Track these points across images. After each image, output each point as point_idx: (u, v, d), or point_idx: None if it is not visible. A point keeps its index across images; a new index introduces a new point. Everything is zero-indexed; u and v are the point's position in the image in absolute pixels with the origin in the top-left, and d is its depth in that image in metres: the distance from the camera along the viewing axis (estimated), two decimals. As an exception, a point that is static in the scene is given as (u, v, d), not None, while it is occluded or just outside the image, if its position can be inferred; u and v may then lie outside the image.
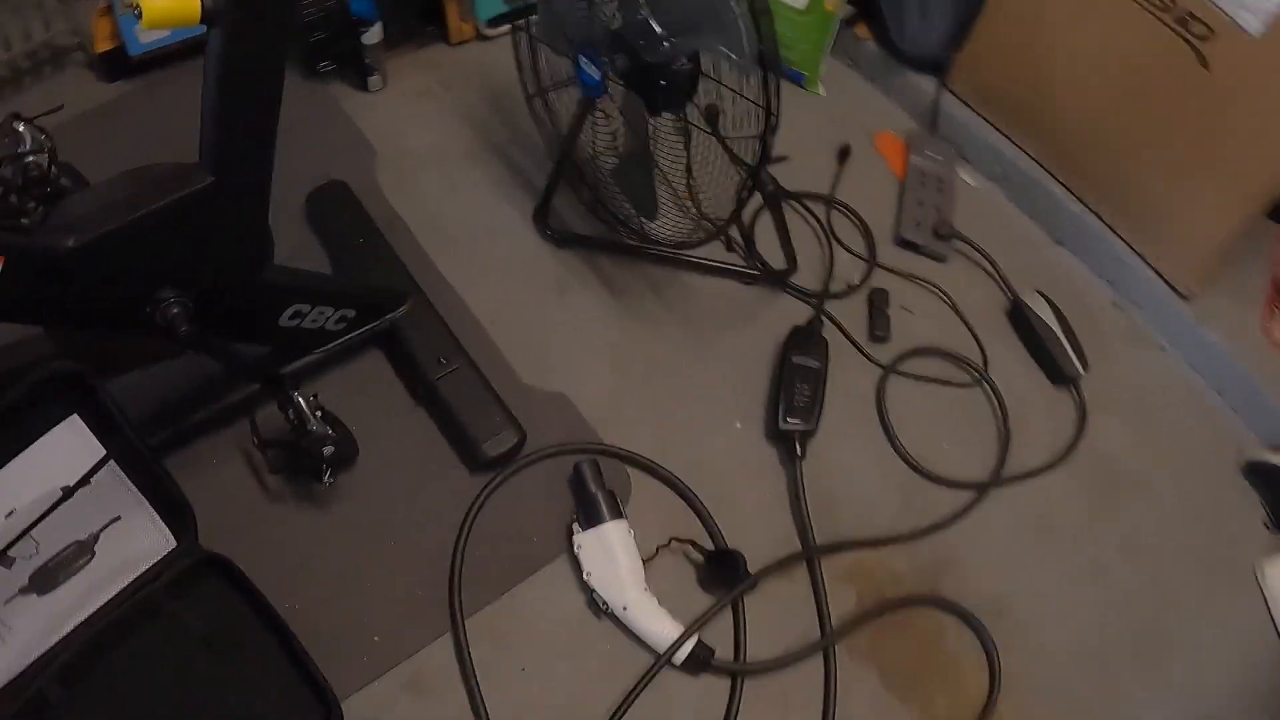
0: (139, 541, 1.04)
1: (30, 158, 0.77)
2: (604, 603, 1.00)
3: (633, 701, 0.96)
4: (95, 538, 1.03)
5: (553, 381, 1.16)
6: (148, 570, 1.03)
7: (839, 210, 1.38)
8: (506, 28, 1.38)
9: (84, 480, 0.99)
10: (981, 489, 1.15)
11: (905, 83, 1.53)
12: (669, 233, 1.18)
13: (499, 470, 1.08)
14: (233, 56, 0.80)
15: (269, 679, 0.98)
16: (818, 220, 1.36)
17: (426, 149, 1.35)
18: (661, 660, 0.98)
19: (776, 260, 1.25)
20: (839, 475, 1.14)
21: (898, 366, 1.24)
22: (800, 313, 1.26)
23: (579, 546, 1.02)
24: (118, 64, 1.38)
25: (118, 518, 1.03)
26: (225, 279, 0.96)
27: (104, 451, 1.00)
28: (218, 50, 0.79)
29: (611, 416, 1.14)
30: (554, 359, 1.18)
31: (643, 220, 1.19)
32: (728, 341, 1.23)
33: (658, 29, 0.96)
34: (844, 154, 1.42)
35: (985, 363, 1.26)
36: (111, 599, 1.02)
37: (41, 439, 0.97)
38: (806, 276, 1.29)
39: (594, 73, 1.06)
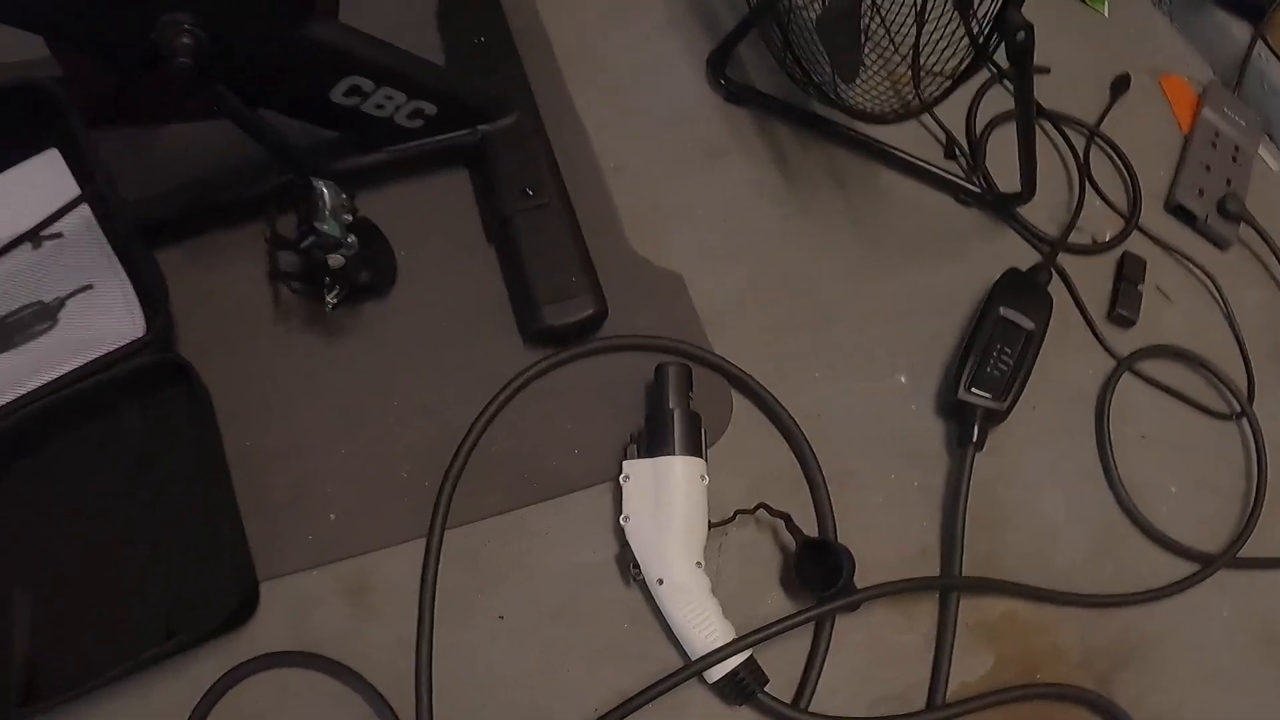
0: (106, 319, 0.72)
1: None
2: (635, 564, 0.62)
3: (631, 711, 0.58)
4: (61, 303, 0.72)
5: (670, 258, 0.76)
6: (108, 354, 0.71)
7: (1102, 147, 0.90)
8: None
9: (51, 221, 0.68)
10: (1207, 564, 0.71)
11: (1212, 24, 1.04)
12: (866, 100, 0.76)
13: (559, 348, 0.69)
14: None
15: (191, 525, 0.65)
16: (1073, 152, 0.88)
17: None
18: (688, 670, 0.59)
19: (1009, 183, 0.80)
20: (1020, 486, 0.72)
21: (1136, 364, 0.77)
22: (1023, 258, 0.80)
23: (626, 477, 0.64)
24: None
25: (89, 286, 0.72)
26: (255, 16, 0.61)
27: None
28: None
29: (733, 321, 0.74)
30: (680, 233, 0.78)
31: (839, 82, 0.75)
32: (917, 266, 0.80)
33: None
34: (1120, 85, 0.94)
35: (1250, 392, 0.79)
36: (61, 376, 0.70)
37: (11, 170, 0.68)
38: (1041, 214, 0.84)
39: None
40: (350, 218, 0.66)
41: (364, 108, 0.70)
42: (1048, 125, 0.90)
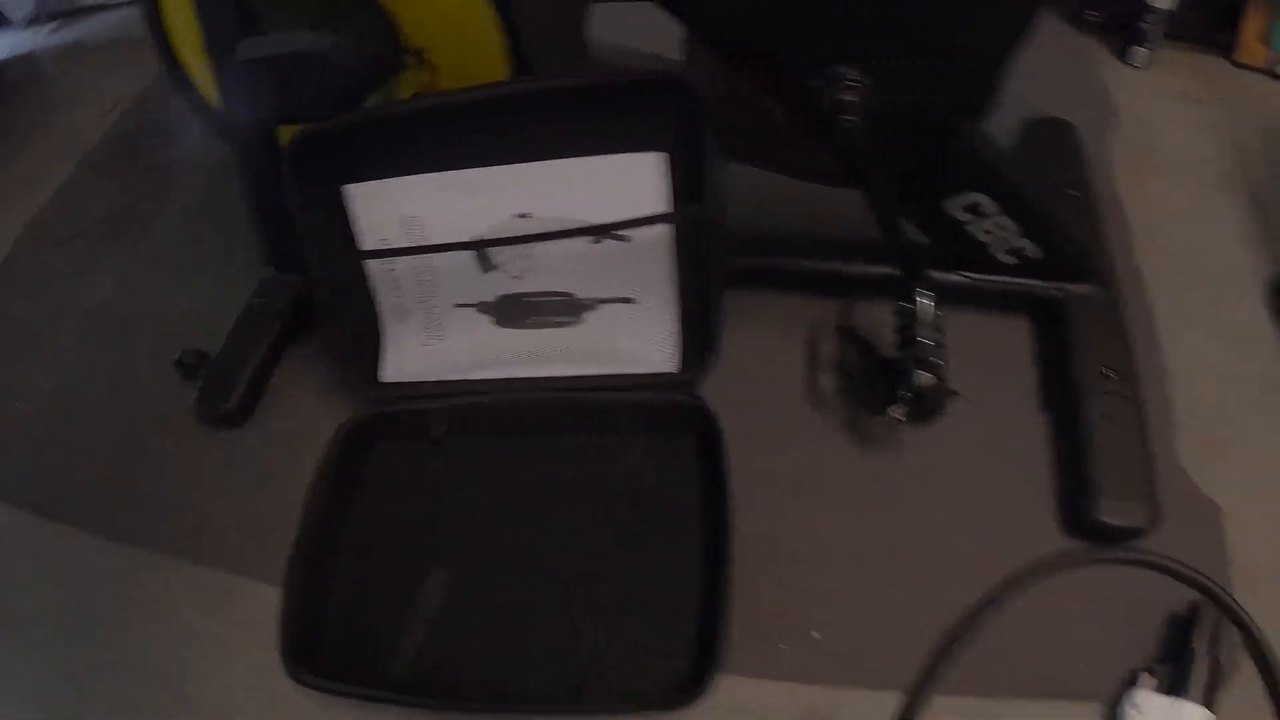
0: (635, 342, 0.70)
1: None
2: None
3: None
4: (593, 305, 0.70)
5: (1213, 484, 0.66)
6: (623, 375, 0.70)
7: None
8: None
9: (620, 226, 0.65)
10: None
11: None
12: None
13: (1099, 547, 0.62)
14: None
15: (668, 585, 0.61)
16: None
17: (1171, 151, 0.89)
18: None
19: None
20: None
21: None
22: None
23: (1136, 708, 0.55)
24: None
25: (631, 300, 0.69)
26: (932, 96, 0.58)
27: (670, 210, 0.65)
28: None
29: (1264, 573, 0.63)
30: (1229, 462, 0.68)
31: None
32: None
33: None
34: None
35: None
36: (559, 378, 0.70)
37: (611, 156, 0.63)
38: None
39: None
40: (941, 336, 0.61)
41: (970, 227, 0.66)
42: None
